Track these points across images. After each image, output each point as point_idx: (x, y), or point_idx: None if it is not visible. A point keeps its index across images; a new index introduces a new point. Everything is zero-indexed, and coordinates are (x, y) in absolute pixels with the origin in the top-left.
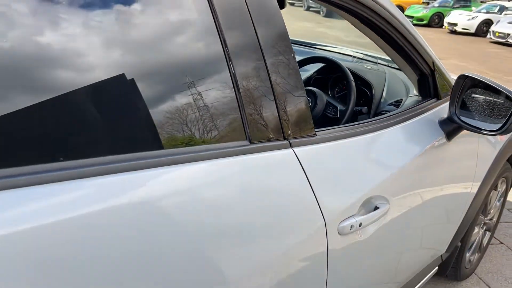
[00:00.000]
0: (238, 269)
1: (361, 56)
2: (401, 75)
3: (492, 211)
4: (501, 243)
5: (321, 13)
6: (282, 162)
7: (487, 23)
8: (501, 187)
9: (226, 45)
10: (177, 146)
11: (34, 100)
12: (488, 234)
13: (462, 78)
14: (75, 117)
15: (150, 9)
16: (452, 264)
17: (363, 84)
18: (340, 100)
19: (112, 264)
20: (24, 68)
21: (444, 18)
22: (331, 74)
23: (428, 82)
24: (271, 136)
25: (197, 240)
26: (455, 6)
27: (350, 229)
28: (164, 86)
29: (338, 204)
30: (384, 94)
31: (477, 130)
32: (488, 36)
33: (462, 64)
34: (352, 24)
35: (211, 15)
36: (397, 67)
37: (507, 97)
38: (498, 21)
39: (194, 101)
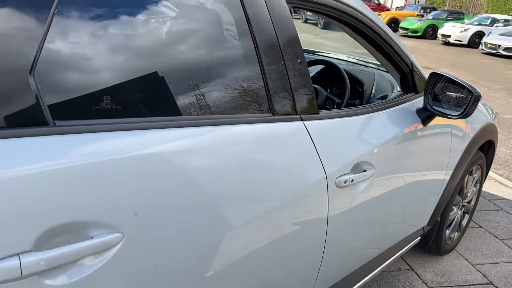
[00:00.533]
0: (268, 203)
1: (354, 60)
2: (387, 76)
3: (469, 194)
4: (480, 226)
5: (319, 25)
6: (295, 130)
7: (479, 34)
8: (476, 174)
9: (257, 46)
10: (230, 113)
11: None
12: (467, 216)
13: (433, 75)
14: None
15: (212, 20)
16: (434, 238)
17: (356, 82)
18: (337, 95)
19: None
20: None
21: (438, 30)
22: (329, 75)
23: (408, 79)
24: (287, 112)
25: (237, 177)
26: (449, 18)
27: (345, 183)
28: (219, 75)
29: (335, 164)
30: (373, 91)
31: (445, 115)
32: (480, 47)
33: (453, 73)
34: (346, 33)
35: (247, 25)
36: (384, 69)
37: (467, 90)
38: (490, 33)
39: (241, 85)
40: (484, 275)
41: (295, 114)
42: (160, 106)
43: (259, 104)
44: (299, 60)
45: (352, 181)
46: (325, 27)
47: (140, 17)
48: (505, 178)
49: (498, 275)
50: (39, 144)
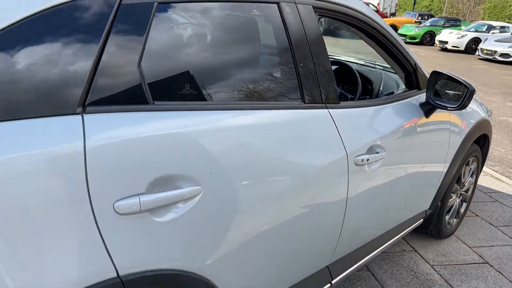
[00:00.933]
0: (302, 174)
1: (363, 62)
2: (392, 75)
3: (466, 184)
4: (477, 215)
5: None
6: (322, 116)
7: (476, 41)
8: (473, 165)
9: (293, 49)
10: (275, 101)
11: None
12: (464, 204)
13: (434, 73)
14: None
15: (261, 29)
16: (434, 222)
17: (366, 81)
18: (349, 92)
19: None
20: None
21: (435, 36)
22: (342, 74)
23: (412, 77)
24: (316, 101)
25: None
26: (446, 25)
27: (361, 162)
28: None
29: (354, 145)
30: (381, 88)
31: (445, 107)
32: (477, 53)
33: None
34: (360, 37)
35: (286, 34)
36: (389, 69)
37: (464, 85)
38: (486, 39)
39: (281, 79)
40: (480, 256)
41: (322, 103)
42: (226, 94)
43: (293, 94)
44: (324, 60)
45: (367, 160)
46: (325, 33)
47: (219, 32)
48: (500, 174)
49: (493, 256)
50: (143, 117)
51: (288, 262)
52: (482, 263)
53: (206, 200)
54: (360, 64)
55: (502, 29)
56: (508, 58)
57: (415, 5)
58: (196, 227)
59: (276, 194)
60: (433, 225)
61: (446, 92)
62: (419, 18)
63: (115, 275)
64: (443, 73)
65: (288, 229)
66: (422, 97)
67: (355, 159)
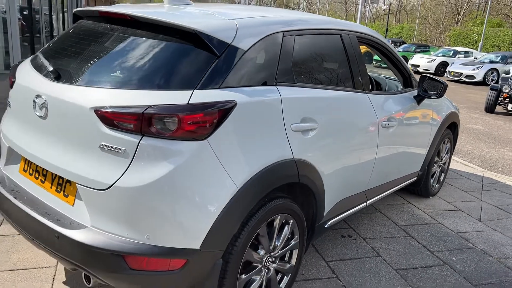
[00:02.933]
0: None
1: (375, 75)
2: (393, 82)
3: (443, 158)
4: (451, 185)
5: None
6: (364, 97)
7: (444, 64)
8: (448, 144)
9: (349, 60)
10: (347, 87)
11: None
12: (443, 174)
13: (422, 76)
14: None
15: (335, 49)
16: (423, 182)
17: (377, 84)
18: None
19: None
20: None
21: (408, 61)
22: None
23: (407, 80)
24: (362, 88)
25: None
26: (417, 50)
27: (383, 125)
28: (345, 73)
29: (381, 115)
30: (386, 88)
31: (429, 96)
32: (445, 75)
33: None
34: (372, 52)
35: (344, 50)
36: (392, 78)
37: (440, 82)
38: (453, 63)
39: (347, 77)
40: (455, 207)
41: (364, 90)
42: (327, 81)
43: (351, 83)
44: (363, 66)
45: (388, 125)
46: None
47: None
48: (468, 162)
49: (464, 207)
50: (295, 88)
51: (351, 176)
52: (456, 210)
53: (319, 130)
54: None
55: (467, 54)
56: (472, 79)
57: (387, 32)
58: (317, 142)
59: (349, 131)
60: (422, 185)
61: (429, 88)
62: (392, 44)
63: (292, 158)
64: (427, 75)
65: (351, 153)
66: (414, 92)
67: (382, 123)
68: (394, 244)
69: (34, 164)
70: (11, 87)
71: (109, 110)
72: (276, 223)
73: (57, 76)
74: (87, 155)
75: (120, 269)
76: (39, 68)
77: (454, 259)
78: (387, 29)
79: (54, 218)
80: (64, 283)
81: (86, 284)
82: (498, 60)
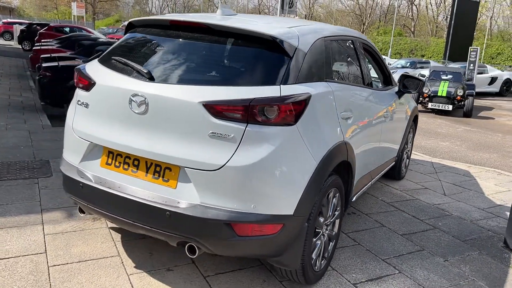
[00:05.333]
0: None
1: None
2: (375, 80)
3: (409, 146)
4: (411, 170)
5: None
6: (373, 93)
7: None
8: (411, 134)
9: (359, 60)
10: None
11: None
12: (408, 160)
13: (402, 75)
14: None
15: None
16: (397, 166)
17: None
18: None
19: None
20: None
21: None
22: None
23: (388, 79)
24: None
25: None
26: None
27: (384, 116)
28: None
29: (382, 107)
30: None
31: (409, 92)
32: None
33: None
34: (368, 58)
35: (355, 53)
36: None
37: (419, 79)
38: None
39: (358, 75)
40: (422, 186)
41: (369, 86)
42: (355, 80)
43: (363, 81)
44: (367, 66)
45: (386, 115)
46: None
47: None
48: (425, 155)
49: (430, 185)
50: (335, 84)
51: (366, 157)
52: (424, 188)
53: (354, 118)
54: None
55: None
56: None
57: None
58: (353, 127)
59: (368, 120)
60: (396, 169)
61: (408, 85)
62: None
63: (343, 140)
64: (408, 74)
65: (368, 138)
66: (395, 89)
67: (384, 114)
68: (391, 217)
69: (122, 156)
70: (86, 89)
71: (218, 104)
72: (331, 195)
73: (151, 77)
74: (196, 143)
75: (229, 236)
76: (122, 70)
77: (440, 224)
78: None
79: (159, 201)
80: (135, 267)
81: (190, 256)
82: (408, 65)
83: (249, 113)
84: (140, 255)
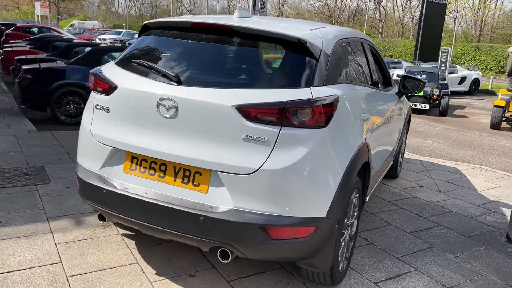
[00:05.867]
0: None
1: None
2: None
3: (403, 146)
4: (403, 168)
5: None
6: (381, 94)
7: None
8: (406, 133)
9: (368, 61)
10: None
11: None
12: (401, 159)
13: (403, 76)
14: None
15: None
16: (394, 165)
17: None
18: None
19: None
20: None
21: None
22: None
23: (387, 80)
24: (374, 84)
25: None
26: None
27: (390, 116)
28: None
29: (389, 107)
30: None
31: (410, 92)
32: None
33: None
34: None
35: (365, 56)
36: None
37: (419, 80)
38: None
39: (365, 76)
40: (417, 184)
41: (377, 87)
42: (365, 81)
43: (372, 82)
44: (374, 67)
45: (391, 115)
46: None
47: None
48: (413, 153)
49: (424, 183)
50: (355, 86)
51: (377, 157)
52: (420, 186)
53: (370, 119)
54: None
55: None
56: None
57: None
58: (369, 128)
59: (379, 121)
60: (393, 168)
61: (409, 85)
62: None
63: (365, 141)
64: (407, 75)
65: (378, 138)
66: (395, 89)
67: (391, 114)
68: (395, 215)
69: (147, 161)
70: (106, 93)
71: (252, 107)
72: (353, 196)
73: (178, 81)
74: (229, 146)
75: (264, 240)
76: (146, 74)
77: (442, 221)
78: None
79: (191, 206)
80: (157, 274)
81: (223, 260)
82: None
83: (283, 116)
84: (159, 262)
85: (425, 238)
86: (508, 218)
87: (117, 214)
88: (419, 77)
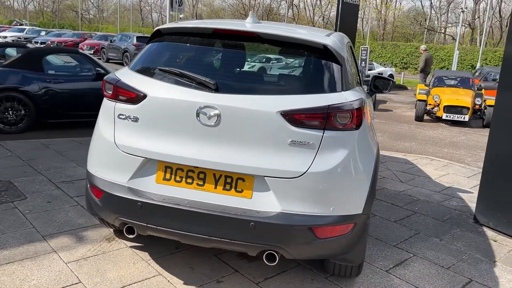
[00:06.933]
0: None
1: None
2: None
3: None
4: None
5: None
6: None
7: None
8: None
9: (356, 64)
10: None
11: None
12: None
13: (375, 76)
14: None
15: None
16: None
17: None
18: None
19: None
20: None
21: None
22: None
23: (360, 80)
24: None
25: None
26: None
27: (371, 116)
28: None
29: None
30: None
31: (381, 92)
32: None
33: None
34: None
35: (354, 58)
36: None
37: (389, 79)
38: (271, 67)
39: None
40: (380, 175)
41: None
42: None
43: (360, 83)
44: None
45: (371, 116)
46: None
47: None
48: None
49: (385, 175)
50: (362, 89)
51: None
52: (383, 177)
53: (373, 115)
54: None
55: (279, 60)
56: None
57: None
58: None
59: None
60: None
61: (379, 85)
62: None
63: (376, 140)
64: (378, 76)
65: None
66: (365, 88)
67: (371, 115)
68: (375, 206)
69: (183, 170)
70: (132, 102)
71: (297, 112)
72: None
73: (216, 88)
74: (275, 151)
75: (311, 240)
76: (177, 81)
77: (416, 208)
78: None
79: (237, 212)
80: (185, 284)
81: (270, 263)
82: None
83: (326, 119)
84: (182, 271)
85: (409, 226)
86: (466, 202)
87: (154, 226)
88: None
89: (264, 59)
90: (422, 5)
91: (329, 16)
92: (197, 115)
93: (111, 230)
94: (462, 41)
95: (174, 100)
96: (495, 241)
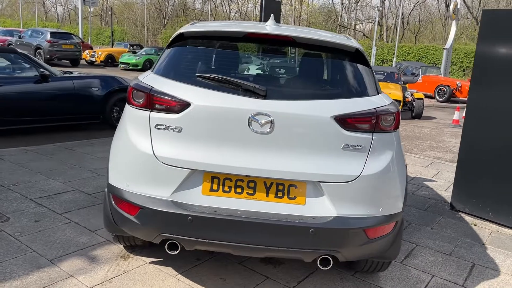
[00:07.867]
0: None
1: None
2: None
3: None
4: None
5: None
6: None
7: (150, 61)
8: None
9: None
10: None
11: None
12: None
13: None
14: None
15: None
16: None
17: None
18: None
19: None
20: None
21: (153, 62)
22: None
23: None
24: None
25: None
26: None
27: None
28: None
29: None
30: None
31: None
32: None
33: None
34: None
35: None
36: None
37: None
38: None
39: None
40: None
41: None
42: None
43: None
44: None
45: None
46: None
47: None
48: None
49: None
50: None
51: None
52: None
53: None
54: None
55: None
56: None
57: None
58: None
59: None
60: None
61: None
62: (131, 47)
63: None
64: None
65: None
66: None
67: None
68: None
69: (231, 180)
70: (173, 111)
71: (349, 116)
72: None
73: (265, 95)
74: (330, 156)
75: (364, 241)
76: (223, 89)
77: None
78: (112, 32)
79: (294, 220)
80: None
81: (324, 268)
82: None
83: (375, 122)
84: (214, 283)
85: None
86: (436, 190)
87: (206, 240)
88: None
89: (300, 63)
90: (333, 3)
91: (246, 11)
92: (249, 123)
93: (121, 246)
94: (371, 37)
95: (223, 108)
96: (475, 225)
